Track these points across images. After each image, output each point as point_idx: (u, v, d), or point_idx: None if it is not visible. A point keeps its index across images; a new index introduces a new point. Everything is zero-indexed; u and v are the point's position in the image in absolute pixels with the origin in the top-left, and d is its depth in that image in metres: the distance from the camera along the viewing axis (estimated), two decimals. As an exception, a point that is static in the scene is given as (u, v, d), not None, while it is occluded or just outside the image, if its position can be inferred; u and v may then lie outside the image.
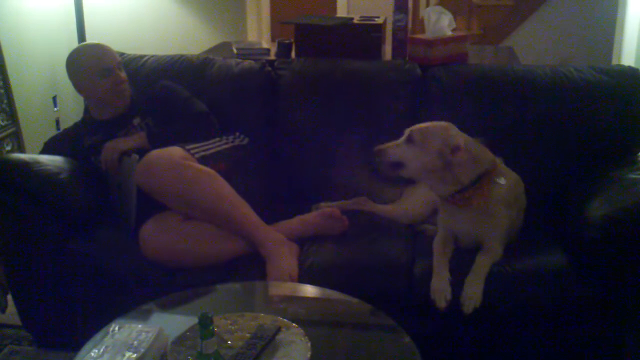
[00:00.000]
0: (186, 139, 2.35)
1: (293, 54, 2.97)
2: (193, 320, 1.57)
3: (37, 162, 2.28)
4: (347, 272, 2.11)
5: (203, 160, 2.27)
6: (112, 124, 2.49)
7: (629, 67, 2.55)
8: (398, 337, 1.65)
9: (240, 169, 2.38)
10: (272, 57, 3.03)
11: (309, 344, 1.57)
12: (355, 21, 2.93)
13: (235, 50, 3.13)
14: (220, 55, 2.89)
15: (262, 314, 1.72)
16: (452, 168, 2.04)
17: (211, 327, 1.41)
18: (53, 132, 3.31)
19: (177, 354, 1.57)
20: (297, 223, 2.28)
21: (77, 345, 1.66)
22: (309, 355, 1.54)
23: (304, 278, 2.09)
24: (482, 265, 2.05)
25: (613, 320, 2.04)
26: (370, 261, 2.14)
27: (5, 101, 3.02)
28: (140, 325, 1.64)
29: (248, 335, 1.61)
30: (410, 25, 3.53)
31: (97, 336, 1.65)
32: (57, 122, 3.53)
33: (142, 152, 2.27)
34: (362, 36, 2.85)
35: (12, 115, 3.05)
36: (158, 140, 2.34)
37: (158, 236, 2.18)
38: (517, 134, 2.45)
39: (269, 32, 4.93)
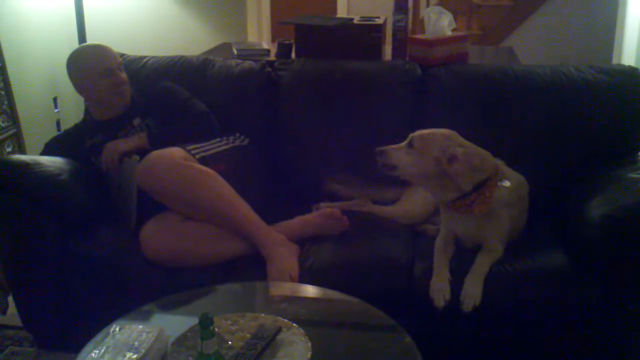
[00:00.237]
0: (186, 139, 2.35)
1: (293, 55, 2.97)
2: (193, 321, 1.57)
3: (38, 163, 2.28)
4: (347, 272, 2.12)
5: (203, 160, 2.27)
6: (112, 125, 2.49)
7: (629, 66, 2.54)
8: (398, 337, 1.65)
9: (241, 170, 2.38)
10: (272, 57, 3.03)
11: (310, 344, 1.58)
12: (355, 21, 2.93)
13: (235, 51, 3.14)
14: (220, 56, 2.89)
15: (263, 314, 1.73)
16: (450, 176, 2.04)
17: (212, 328, 1.41)
18: (53, 133, 3.32)
19: (177, 355, 1.58)
20: (298, 223, 2.28)
21: (78, 346, 1.66)
22: (309, 356, 1.54)
23: (304, 278, 2.09)
24: (482, 264, 2.05)
25: (613, 320, 2.03)
26: (371, 261, 2.14)
27: (5, 102, 3.02)
28: (140, 326, 1.64)
29: (248, 335, 1.62)
30: (410, 26, 3.53)
31: (98, 337, 1.65)
32: (58, 123, 3.53)
33: (142, 152, 2.27)
34: (362, 36, 2.85)
35: (12, 116, 3.06)
36: (158, 140, 2.34)
37: (158, 237, 2.19)
38: (517, 134, 2.45)
39: (269, 33, 4.93)
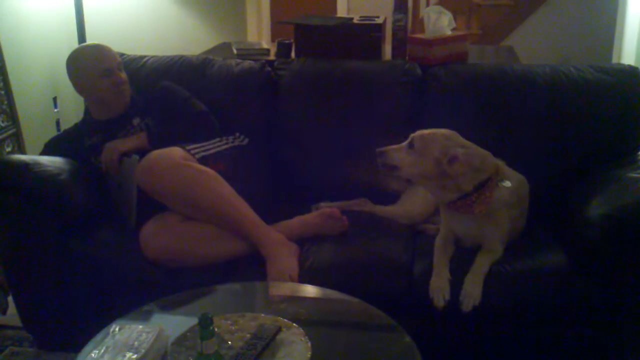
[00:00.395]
0: (186, 139, 2.35)
1: (293, 54, 2.97)
2: (193, 321, 1.57)
3: (37, 163, 2.28)
4: (347, 272, 2.11)
5: (203, 160, 2.27)
6: (112, 125, 2.49)
7: (629, 66, 2.54)
8: (398, 337, 1.65)
9: (240, 170, 2.38)
10: (272, 57, 3.03)
11: (309, 344, 1.58)
12: (355, 21, 2.93)
13: (235, 51, 3.14)
14: (220, 56, 2.90)
15: (263, 314, 1.73)
16: (450, 177, 2.03)
17: (211, 328, 1.41)
18: (53, 133, 3.31)
19: (177, 355, 1.58)
20: (297, 223, 2.28)
21: (78, 346, 1.66)
22: (309, 355, 1.54)
23: (304, 278, 2.09)
24: (482, 264, 2.05)
25: (613, 320, 2.03)
26: (370, 261, 2.14)
27: (5, 102, 3.02)
28: (140, 326, 1.64)
29: (248, 335, 1.62)
30: (410, 25, 3.53)
31: (98, 337, 1.65)
32: (58, 123, 3.53)
33: (142, 152, 2.27)
34: (362, 36, 2.85)
35: (12, 116, 3.05)
36: (158, 140, 2.34)
37: (158, 237, 2.18)
38: (516, 133, 2.45)
39: (269, 33, 4.93)
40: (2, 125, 2.98)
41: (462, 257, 2.10)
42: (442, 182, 2.06)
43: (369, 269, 2.12)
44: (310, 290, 1.99)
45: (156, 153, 2.20)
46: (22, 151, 3.09)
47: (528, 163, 2.37)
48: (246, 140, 2.55)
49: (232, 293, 1.98)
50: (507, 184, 2.11)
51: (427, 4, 4.79)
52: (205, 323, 1.40)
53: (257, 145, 2.57)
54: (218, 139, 2.44)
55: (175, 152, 2.22)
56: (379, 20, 2.89)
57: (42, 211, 2.22)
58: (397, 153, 2.11)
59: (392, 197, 2.49)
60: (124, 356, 1.53)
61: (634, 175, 2.15)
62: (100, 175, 2.43)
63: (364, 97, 2.60)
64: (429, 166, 2.05)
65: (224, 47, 3.45)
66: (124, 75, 2.51)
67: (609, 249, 1.99)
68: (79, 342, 1.67)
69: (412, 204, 2.40)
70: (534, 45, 5.01)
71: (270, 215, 2.27)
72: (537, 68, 2.54)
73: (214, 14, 3.99)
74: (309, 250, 2.19)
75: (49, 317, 2.32)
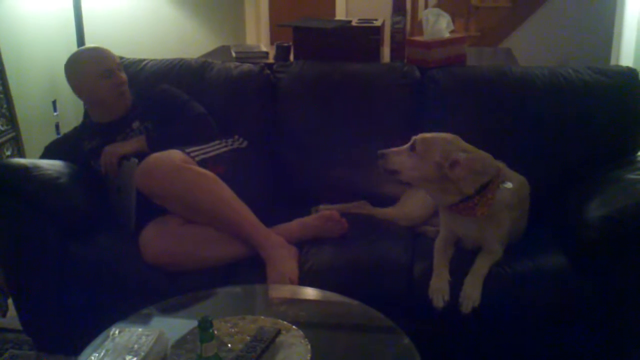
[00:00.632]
0: (185, 142, 2.36)
1: (292, 57, 2.97)
2: (193, 324, 1.58)
3: (37, 167, 2.29)
4: (346, 274, 2.12)
5: (203, 163, 2.27)
6: (111, 128, 2.49)
7: (628, 67, 2.55)
8: (398, 339, 1.65)
9: (240, 172, 2.38)
10: (271, 60, 3.04)
11: (309, 346, 1.58)
12: (353, 24, 2.93)
13: (234, 54, 3.14)
14: (219, 59, 2.90)
15: (262, 317, 1.73)
16: (451, 181, 2.03)
17: (211, 330, 1.41)
18: (53, 136, 3.31)
19: (177, 357, 1.58)
20: (297, 226, 2.28)
21: (78, 349, 1.66)
22: (308, 358, 1.54)
23: (303, 280, 2.09)
24: (481, 265, 2.05)
25: (613, 320, 2.04)
26: (370, 263, 2.14)
27: (5, 106, 3.02)
28: (140, 329, 1.64)
29: (248, 338, 1.62)
30: (408, 28, 3.53)
31: (98, 340, 1.65)
32: (57, 126, 3.53)
33: (141, 155, 2.27)
34: (361, 39, 2.85)
35: (11, 120, 3.06)
36: (157, 143, 2.34)
37: (158, 240, 2.19)
38: (515, 135, 2.45)
39: (267, 36, 4.94)
40: (2, 129, 2.99)
41: (462, 258, 2.10)
42: (443, 186, 2.06)
43: (368, 271, 2.12)
44: (309, 293, 1.99)
45: (155, 156, 2.20)
46: (22, 155, 3.09)
47: (527, 165, 2.37)
48: (245, 143, 2.55)
49: (231, 296, 1.98)
50: (509, 185, 2.11)
51: (426, 7, 4.80)
52: (205, 326, 1.41)
53: (256, 147, 2.57)
54: (217, 142, 2.45)
55: (175, 155, 2.22)
56: (378, 23, 2.89)
57: (41, 215, 2.22)
58: (399, 156, 2.10)
59: (391, 200, 2.49)
60: (124, 359, 1.53)
61: (633, 176, 2.15)
62: (100, 178, 2.43)
63: (363, 99, 2.60)
64: (430, 170, 2.05)
65: (222, 50, 3.46)
66: (124, 75, 2.51)
67: (609, 250, 1.99)
68: (79, 345, 1.67)
69: (412, 206, 2.40)
70: (533, 47, 5.02)
71: (270, 218, 2.27)
72: (536, 70, 2.54)
73: (212, 17, 3.99)
74: (308, 253, 2.19)
75: (48, 320, 2.32)
